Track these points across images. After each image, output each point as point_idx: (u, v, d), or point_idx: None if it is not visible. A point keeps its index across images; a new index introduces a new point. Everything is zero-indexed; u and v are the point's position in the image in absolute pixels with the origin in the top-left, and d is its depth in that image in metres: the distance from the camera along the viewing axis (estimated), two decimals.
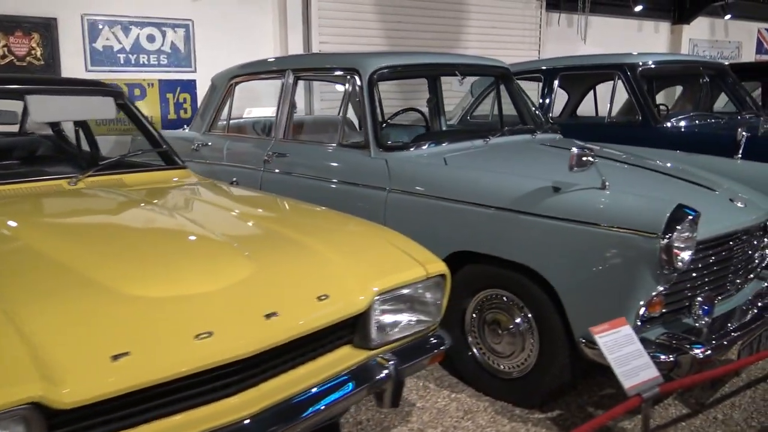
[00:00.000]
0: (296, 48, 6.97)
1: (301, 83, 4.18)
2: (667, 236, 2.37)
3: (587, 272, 2.57)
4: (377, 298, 2.01)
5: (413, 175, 3.27)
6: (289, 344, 1.79)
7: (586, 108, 6.22)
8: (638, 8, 9.54)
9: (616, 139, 4.80)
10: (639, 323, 2.49)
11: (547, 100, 5.33)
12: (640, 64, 4.85)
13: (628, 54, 4.99)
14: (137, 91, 6.30)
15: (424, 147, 3.51)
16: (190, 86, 6.59)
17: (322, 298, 1.86)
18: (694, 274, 2.66)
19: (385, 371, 1.99)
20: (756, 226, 2.98)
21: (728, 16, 10.51)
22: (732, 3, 10.54)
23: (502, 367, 2.99)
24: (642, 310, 2.48)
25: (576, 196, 2.65)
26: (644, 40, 10.44)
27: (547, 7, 8.90)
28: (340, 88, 5.32)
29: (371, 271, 2.06)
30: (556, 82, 5.30)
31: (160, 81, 6.43)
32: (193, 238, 2.10)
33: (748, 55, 12.35)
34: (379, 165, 3.39)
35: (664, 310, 2.58)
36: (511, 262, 2.82)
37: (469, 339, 3.11)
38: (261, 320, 1.70)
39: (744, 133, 3.63)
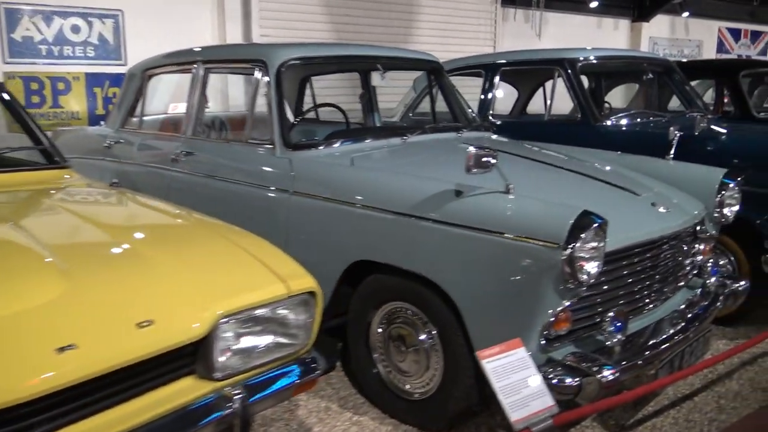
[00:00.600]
0: (236, 41, 6.66)
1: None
2: (570, 246, 2.13)
3: (487, 285, 2.32)
4: (223, 321, 1.73)
5: (317, 176, 3.00)
6: (101, 380, 1.51)
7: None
8: (594, 4, 9.38)
9: (557, 138, 4.57)
10: (543, 342, 2.25)
11: (489, 97, 5.10)
12: (581, 59, 4.63)
13: (568, 49, 4.78)
14: (61, 85, 5.94)
15: (335, 145, 3.24)
16: (120, 80, 6.19)
17: (144, 324, 1.58)
18: (606, 287, 2.43)
19: (230, 406, 1.72)
20: (681, 232, 2.76)
21: (686, 14, 10.41)
22: (690, 0, 10.45)
23: (407, 387, 2.74)
24: (546, 328, 2.25)
25: (476, 200, 2.40)
26: (603, 37, 10.29)
27: (503, 2, 8.69)
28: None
29: (220, 289, 1.78)
30: (497, 78, 5.07)
31: (86, 74, 6.07)
32: (4, 252, 1.80)
33: (709, 54, 12.29)
34: (284, 165, 3.12)
35: (573, 327, 2.35)
36: (413, 272, 2.56)
37: (375, 355, 2.85)
38: (51, 355, 1.41)
39: (676, 133, 3.41)
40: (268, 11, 6.76)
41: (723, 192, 3.10)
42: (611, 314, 2.34)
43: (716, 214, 3.11)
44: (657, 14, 10.60)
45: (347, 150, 3.15)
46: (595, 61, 4.74)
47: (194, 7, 6.53)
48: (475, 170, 2.31)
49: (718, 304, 2.99)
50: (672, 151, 3.37)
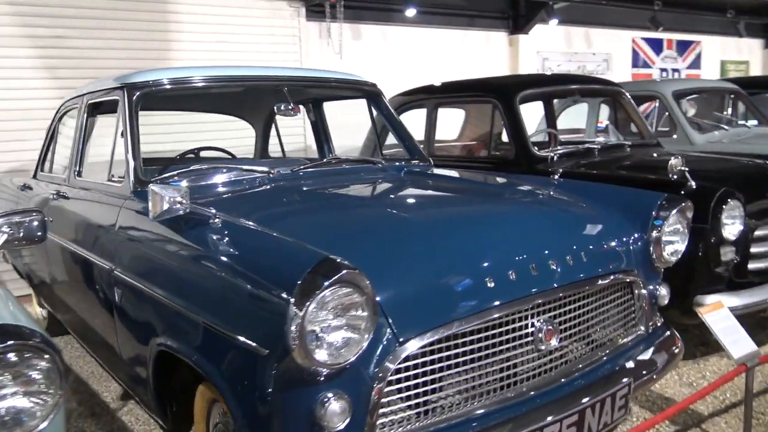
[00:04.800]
0: None
1: None
2: None
3: None
4: None
5: None
6: None
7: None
8: (410, 12, 7.70)
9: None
10: None
11: (79, 146, 3.48)
12: (148, 83, 3.00)
13: (139, 72, 3.14)
14: None
15: None
16: None
17: None
18: None
19: None
20: None
21: (554, 21, 8.67)
22: (563, 8, 8.75)
23: None
24: None
25: None
26: (472, 54, 8.62)
27: (308, 15, 7.09)
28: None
29: None
30: (84, 118, 3.45)
31: None
32: None
33: (623, 69, 10.53)
34: None
35: None
36: None
37: None
38: None
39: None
40: None
41: None
42: None
43: None
44: (536, 24, 8.90)
45: None
46: (169, 87, 3.05)
47: None
48: None
49: None
50: None
